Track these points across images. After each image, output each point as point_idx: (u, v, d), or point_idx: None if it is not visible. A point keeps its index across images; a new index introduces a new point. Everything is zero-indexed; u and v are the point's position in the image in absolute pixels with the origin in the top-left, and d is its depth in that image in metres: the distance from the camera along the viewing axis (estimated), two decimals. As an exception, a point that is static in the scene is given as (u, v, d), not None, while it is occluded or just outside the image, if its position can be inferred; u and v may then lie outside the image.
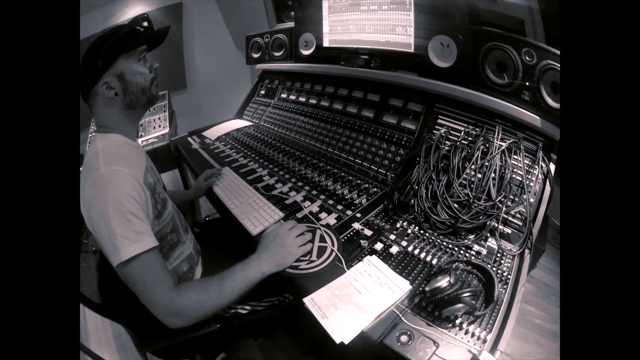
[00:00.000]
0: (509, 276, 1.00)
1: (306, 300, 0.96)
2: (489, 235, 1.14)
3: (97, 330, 2.38)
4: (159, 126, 3.02)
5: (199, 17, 3.80)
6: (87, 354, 1.77)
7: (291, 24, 2.32)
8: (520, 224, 1.15)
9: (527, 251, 1.08)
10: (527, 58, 1.22)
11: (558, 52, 1.15)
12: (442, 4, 1.46)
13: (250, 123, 2.42)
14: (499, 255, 1.08)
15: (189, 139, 2.32)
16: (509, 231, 1.15)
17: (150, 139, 2.90)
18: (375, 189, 1.47)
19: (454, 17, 1.42)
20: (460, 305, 0.83)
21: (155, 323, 1.02)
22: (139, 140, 2.83)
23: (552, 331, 1.42)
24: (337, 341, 0.84)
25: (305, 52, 2.19)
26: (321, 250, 1.15)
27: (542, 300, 1.38)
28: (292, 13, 2.36)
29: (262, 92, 2.57)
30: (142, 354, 1.32)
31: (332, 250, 1.14)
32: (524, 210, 1.14)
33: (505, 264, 1.05)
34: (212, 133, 2.32)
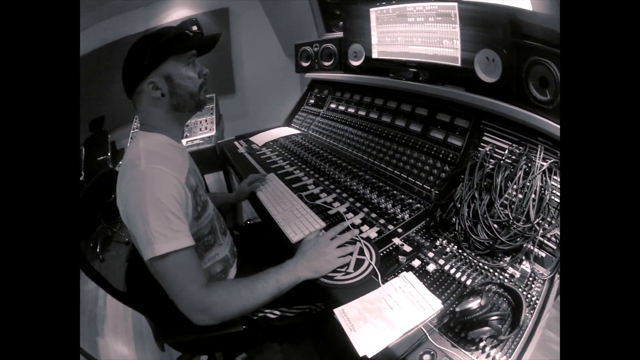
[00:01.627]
0: (537, 301, 1.03)
1: (336, 311, 1.01)
2: (523, 258, 1.17)
3: (116, 317, 2.53)
4: (205, 128, 3.21)
5: (246, 22, 3.99)
6: (87, 358, 1.90)
7: (340, 34, 2.41)
8: (555, 247, 1.17)
9: (557, 276, 1.10)
10: (567, 73, 1.24)
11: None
12: (485, 16, 1.50)
13: (298, 131, 2.53)
14: (530, 279, 1.11)
15: (236, 143, 2.47)
16: (543, 255, 1.18)
17: (195, 140, 3.08)
18: (419, 205, 1.53)
19: (497, 30, 1.46)
20: (486, 328, 0.88)
21: (178, 317, 1.06)
22: (184, 141, 2.99)
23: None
24: (361, 354, 0.89)
25: (355, 63, 2.29)
26: (359, 263, 1.21)
27: None
28: (341, 23, 2.46)
29: (312, 101, 2.69)
30: (160, 345, 1.38)
31: (370, 264, 1.19)
32: (559, 233, 1.16)
33: (536, 289, 1.07)
34: (260, 139, 2.44)
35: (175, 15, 3.90)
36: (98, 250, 3.32)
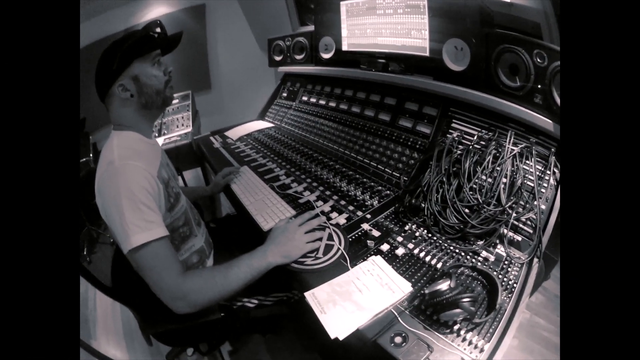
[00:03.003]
0: (515, 285, 0.96)
1: (307, 294, 0.97)
2: (497, 241, 1.11)
3: (106, 318, 2.45)
4: (182, 125, 3.08)
5: (223, 18, 3.83)
6: (89, 351, 1.83)
7: (313, 27, 2.32)
8: (531, 231, 1.10)
9: (535, 260, 1.03)
10: (539, 60, 1.18)
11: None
12: (455, 7, 1.43)
13: (271, 124, 2.44)
14: (506, 262, 1.04)
15: (211, 138, 2.37)
16: (520, 239, 1.11)
17: (172, 137, 2.95)
18: (388, 192, 1.46)
19: (467, 20, 1.39)
20: (458, 310, 0.81)
21: (160, 307, 1.05)
22: (162, 138, 2.92)
23: (559, 345, 1.33)
24: (332, 336, 0.85)
25: (325, 56, 2.19)
26: (328, 248, 1.15)
27: (551, 312, 1.29)
28: (314, 16, 2.37)
29: (284, 94, 2.59)
30: (146, 336, 1.36)
31: (339, 249, 1.14)
32: (534, 217, 1.09)
33: (513, 272, 1.01)
34: (234, 133, 2.35)
35: (155, 12, 3.72)
36: (85, 252, 3.13)
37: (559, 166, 1.17)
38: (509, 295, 0.93)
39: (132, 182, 1.02)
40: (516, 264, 1.04)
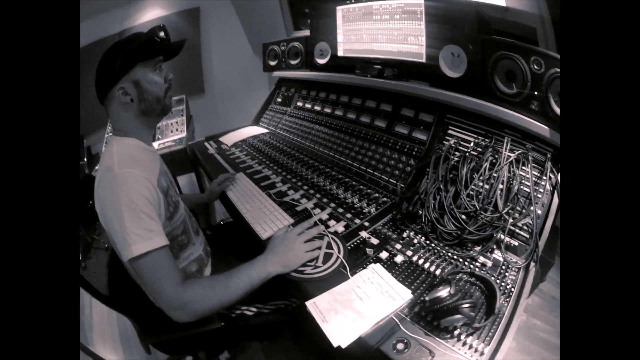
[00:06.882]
0: (512, 289, 1.00)
1: (308, 303, 0.99)
2: (495, 247, 1.14)
3: (102, 324, 2.45)
4: (176, 130, 3.10)
5: (217, 22, 3.85)
6: (88, 354, 1.82)
7: (308, 32, 2.35)
8: (528, 236, 1.14)
9: (532, 264, 1.07)
10: (536, 67, 1.22)
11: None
12: (452, 14, 1.47)
13: (266, 130, 2.47)
14: (503, 267, 1.08)
15: (206, 143, 2.38)
16: (516, 243, 1.14)
17: (167, 142, 2.97)
18: (385, 199, 1.49)
19: (464, 26, 1.43)
20: (458, 316, 0.84)
21: (159, 316, 1.06)
22: (156, 143, 2.93)
23: (557, 345, 1.37)
24: (335, 345, 0.87)
25: (321, 61, 2.23)
26: (327, 257, 1.17)
27: (549, 313, 1.34)
28: (309, 21, 2.40)
29: (279, 99, 2.62)
30: (144, 346, 1.36)
31: (338, 257, 1.16)
32: (531, 222, 1.13)
33: (510, 277, 1.04)
34: (229, 139, 2.37)
35: (149, 15, 3.74)
36: (80, 257, 3.11)
37: (555, 171, 1.20)
38: (507, 300, 0.96)
39: (132, 191, 1.02)
40: (513, 269, 1.07)
